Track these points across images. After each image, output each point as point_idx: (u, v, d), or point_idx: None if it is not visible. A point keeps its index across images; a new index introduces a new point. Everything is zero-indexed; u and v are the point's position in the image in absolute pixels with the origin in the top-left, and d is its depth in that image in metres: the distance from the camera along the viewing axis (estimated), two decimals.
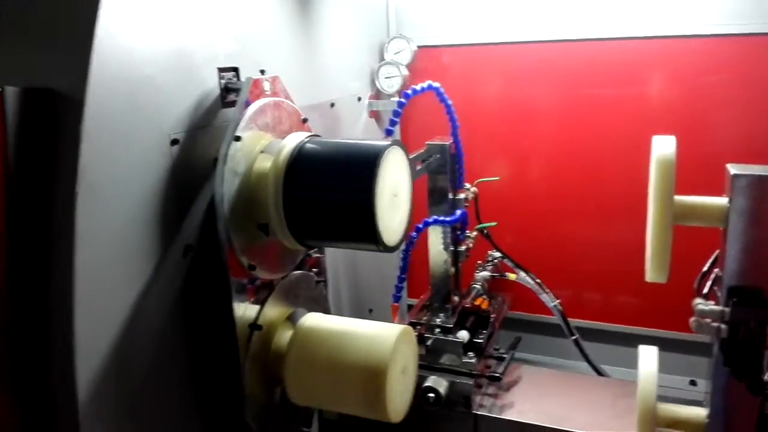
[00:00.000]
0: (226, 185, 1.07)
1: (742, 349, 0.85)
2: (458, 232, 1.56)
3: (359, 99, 1.70)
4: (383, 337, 1.18)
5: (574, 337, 1.70)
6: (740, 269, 0.87)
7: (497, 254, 1.77)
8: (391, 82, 1.70)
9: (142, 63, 0.99)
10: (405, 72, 1.70)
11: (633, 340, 1.81)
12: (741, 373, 0.85)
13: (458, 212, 1.47)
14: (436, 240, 1.51)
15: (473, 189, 1.61)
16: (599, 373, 1.71)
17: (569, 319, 1.72)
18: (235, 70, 1.20)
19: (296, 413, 1.34)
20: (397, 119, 1.35)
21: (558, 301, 1.71)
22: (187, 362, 1.13)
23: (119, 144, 0.95)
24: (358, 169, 1.06)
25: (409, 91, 1.35)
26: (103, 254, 0.93)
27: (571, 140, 1.78)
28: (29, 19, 0.94)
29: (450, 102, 1.42)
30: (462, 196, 1.52)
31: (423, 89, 1.36)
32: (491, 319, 1.57)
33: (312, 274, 1.38)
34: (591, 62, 1.71)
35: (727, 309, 0.86)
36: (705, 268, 0.96)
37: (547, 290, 1.72)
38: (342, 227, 1.10)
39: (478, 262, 1.77)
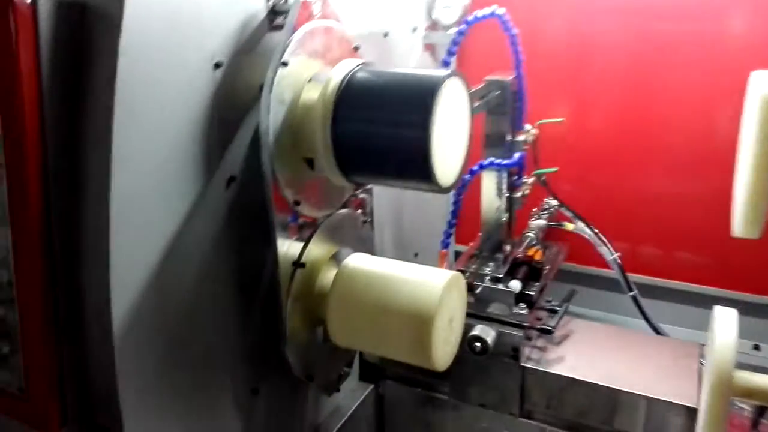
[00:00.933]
0: (272, 115, 1.01)
1: None
2: (514, 177, 1.47)
3: (414, 29, 1.58)
4: (432, 282, 1.12)
5: (632, 293, 1.60)
6: None
7: (554, 202, 1.67)
8: (450, 11, 1.57)
9: None
10: (465, 1, 1.57)
11: (694, 299, 1.72)
12: None
13: (516, 155, 1.37)
14: (490, 184, 1.42)
15: (533, 131, 1.49)
16: (657, 331, 1.62)
17: (627, 274, 1.62)
18: None
19: (338, 354, 1.31)
20: (455, 49, 1.24)
21: (617, 254, 1.61)
22: (228, 297, 1.09)
23: (158, 64, 0.89)
24: (414, 101, 0.97)
25: (471, 18, 1.24)
26: (140, 180, 0.88)
27: (643, 82, 1.63)
28: None
29: (515, 32, 1.30)
30: (521, 138, 1.41)
31: (485, 16, 1.24)
32: (545, 271, 1.48)
33: (358, 213, 1.31)
34: None
35: None
36: None
37: (607, 242, 1.62)
38: (394, 164, 1.03)
39: (534, 209, 1.67)
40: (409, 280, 1.14)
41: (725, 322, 0.93)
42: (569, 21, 1.69)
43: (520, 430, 1.44)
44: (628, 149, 1.70)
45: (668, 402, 1.26)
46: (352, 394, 1.53)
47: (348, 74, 1.04)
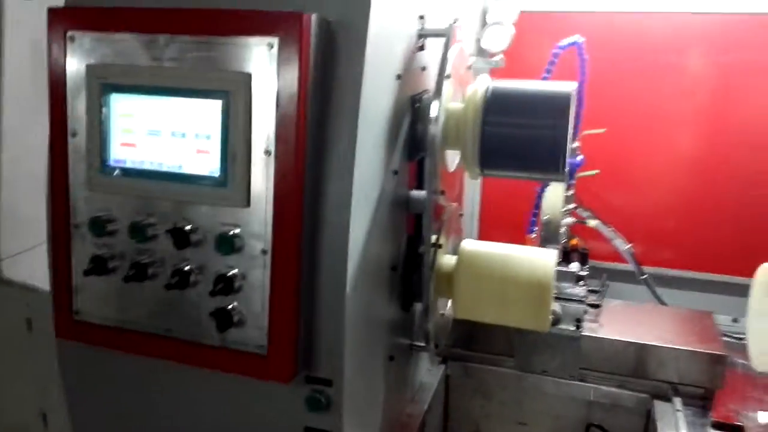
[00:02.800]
0: (442, 117, 1.23)
1: None
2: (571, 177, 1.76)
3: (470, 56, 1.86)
4: (543, 258, 1.38)
5: (644, 276, 1.96)
6: None
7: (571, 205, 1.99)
8: (500, 42, 1.86)
9: (392, 8, 1.12)
10: (512, 31, 1.87)
11: (694, 285, 2.07)
12: None
13: (579, 158, 1.68)
14: (556, 185, 1.71)
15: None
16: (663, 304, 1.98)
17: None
18: (422, 17, 1.34)
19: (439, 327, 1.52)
20: (551, 69, 1.55)
21: (630, 245, 1.96)
22: (385, 273, 1.28)
23: (378, 71, 1.09)
24: (554, 107, 1.25)
25: (562, 44, 1.55)
26: (365, 160, 1.07)
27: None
28: None
29: (586, 57, 1.62)
30: (576, 144, 1.72)
31: (570, 44, 1.56)
32: (588, 255, 1.79)
33: (458, 206, 1.55)
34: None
35: None
36: None
37: (620, 235, 1.96)
38: (532, 158, 1.29)
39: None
40: (524, 257, 1.39)
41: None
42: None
43: (569, 390, 1.73)
44: (646, 163, 2.06)
45: (703, 352, 1.60)
46: (428, 372, 1.74)
47: (490, 87, 1.29)
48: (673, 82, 1.98)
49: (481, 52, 1.92)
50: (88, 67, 1.08)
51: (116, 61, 1.08)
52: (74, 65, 1.10)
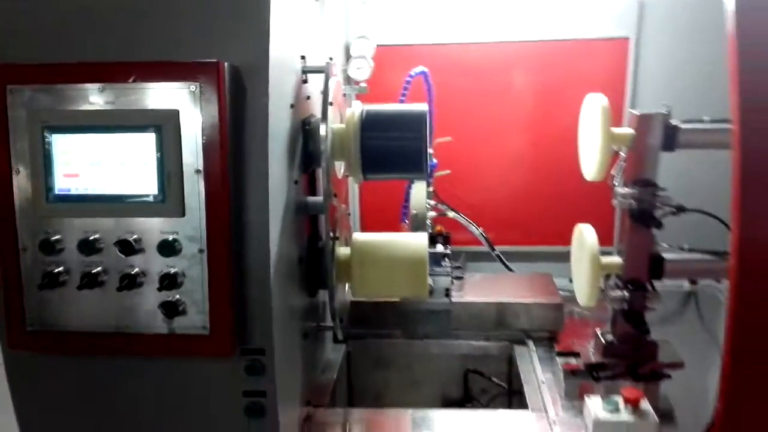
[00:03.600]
0: (329, 135, 1.55)
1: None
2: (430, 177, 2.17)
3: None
4: (416, 239, 1.75)
5: (495, 252, 2.41)
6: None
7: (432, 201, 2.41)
8: (362, 71, 2.23)
9: (284, 53, 1.43)
10: (372, 63, 2.25)
11: (535, 257, 2.56)
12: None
13: (434, 162, 2.08)
14: (420, 184, 2.10)
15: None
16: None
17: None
18: (304, 57, 1.66)
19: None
20: (406, 92, 1.93)
21: (482, 229, 2.41)
22: (294, 266, 1.57)
23: (278, 102, 1.39)
24: (414, 123, 1.62)
25: (412, 73, 1.95)
26: (275, 169, 1.35)
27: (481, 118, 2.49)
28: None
29: (431, 83, 2.02)
30: (431, 151, 2.12)
31: (417, 74, 1.95)
32: (450, 237, 2.21)
33: (346, 207, 1.88)
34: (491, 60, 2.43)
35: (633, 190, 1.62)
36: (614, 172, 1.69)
37: (471, 222, 2.40)
38: (400, 163, 1.65)
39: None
40: (402, 241, 1.75)
41: (588, 229, 1.73)
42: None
43: (449, 348, 2.12)
44: (482, 160, 2.52)
45: (546, 303, 2.06)
46: (334, 351, 2.05)
47: (363, 110, 1.64)
48: (503, 98, 2.47)
49: (348, 81, 2.29)
50: (29, 112, 1.28)
51: (55, 107, 1.28)
52: (14, 112, 1.29)
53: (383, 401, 2.21)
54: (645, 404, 1.55)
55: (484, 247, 2.44)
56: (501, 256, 2.42)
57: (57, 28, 1.33)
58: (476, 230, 2.42)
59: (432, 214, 2.35)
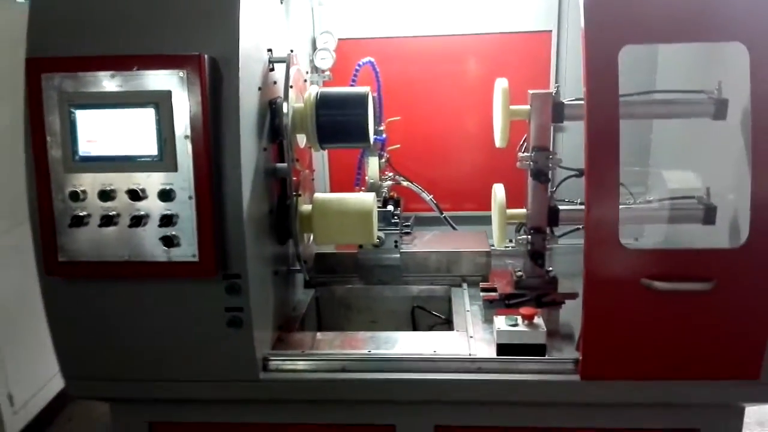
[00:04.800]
0: (290, 113, 1.98)
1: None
2: (380, 151, 2.59)
3: (306, 72, 2.63)
4: (365, 196, 2.18)
5: (443, 215, 2.84)
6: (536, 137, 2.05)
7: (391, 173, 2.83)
8: (326, 61, 2.65)
9: (252, 47, 1.85)
10: (333, 55, 2.67)
11: (476, 220, 2.99)
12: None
13: (383, 137, 2.51)
14: (374, 156, 2.53)
15: (383, 126, 2.64)
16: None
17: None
18: (271, 50, 2.07)
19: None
20: (355, 78, 2.35)
21: (431, 196, 2.83)
22: (265, 216, 2.00)
23: (246, 85, 1.81)
24: (358, 101, 2.05)
25: (361, 62, 2.37)
26: (246, 141, 1.79)
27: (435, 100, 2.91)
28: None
29: (378, 70, 2.45)
30: (381, 128, 2.55)
31: (365, 63, 2.38)
32: (402, 201, 2.64)
33: (310, 172, 2.31)
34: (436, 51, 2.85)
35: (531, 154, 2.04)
36: (521, 143, 2.12)
37: (423, 190, 2.83)
38: (349, 135, 2.08)
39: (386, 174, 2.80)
40: (353, 198, 2.18)
41: (499, 187, 2.17)
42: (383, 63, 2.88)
43: (401, 292, 2.55)
44: (428, 136, 2.94)
45: (478, 251, 2.50)
46: (304, 294, 2.48)
47: (318, 92, 2.07)
48: (448, 84, 2.88)
49: (315, 69, 2.71)
50: (59, 94, 1.70)
51: (78, 89, 1.70)
52: (47, 93, 1.71)
53: None
54: (538, 320, 1.98)
55: (436, 213, 2.87)
56: (448, 218, 2.85)
57: (79, 30, 1.75)
58: (427, 197, 2.85)
59: (389, 183, 2.78)
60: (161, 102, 1.69)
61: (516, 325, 1.98)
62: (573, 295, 2.13)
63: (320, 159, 2.88)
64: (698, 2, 1.72)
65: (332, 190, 2.94)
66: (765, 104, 1.69)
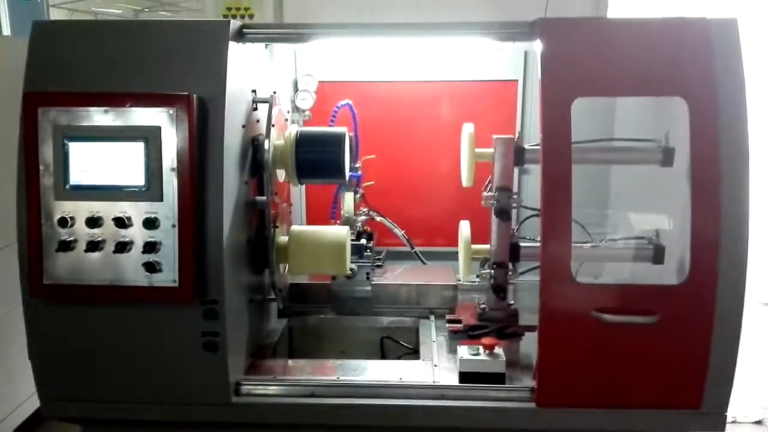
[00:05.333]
0: (271, 149, 2.11)
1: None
2: (355, 187, 2.73)
3: (288, 111, 2.78)
4: (338, 229, 2.31)
5: (414, 250, 2.97)
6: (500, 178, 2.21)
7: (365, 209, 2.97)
8: (306, 101, 2.81)
9: (238, 88, 1.99)
10: (314, 96, 2.83)
11: (444, 256, 3.12)
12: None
13: (359, 174, 2.66)
14: (349, 192, 2.67)
15: (359, 163, 2.79)
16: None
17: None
18: (255, 91, 2.22)
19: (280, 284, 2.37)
20: (334, 119, 2.50)
21: (403, 231, 2.97)
22: (243, 246, 2.11)
23: (232, 123, 1.94)
24: (335, 141, 2.20)
25: (339, 104, 2.52)
26: (228, 175, 1.91)
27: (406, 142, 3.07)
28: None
29: (356, 111, 2.61)
30: (357, 165, 2.69)
31: (343, 105, 2.54)
32: (375, 235, 2.77)
33: (288, 205, 2.44)
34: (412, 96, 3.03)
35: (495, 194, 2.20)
36: (486, 184, 2.28)
37: (395, 225, 2.96)
38: (326, 171, 2.22)
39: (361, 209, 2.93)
40: (327, 230, 2.31)
41: (465, 224, 2.31)
42: (363, 106, 3.05)
43: (371, 323, 2.66)
44: (401, 175, 3.09)
45: (445, 284, 2.63)
46: (277, 323, 2.57)
47: (298, 131, 2.21)
48: (421, 126, 3.05)
49: (297, 109, 2.87)
50: (54, 126, 1.81)
51: (72, 123, 1.82)
52: (43, 126, 1.82)
53: None
54: (498, 350, 2.11)
55: (407, 248, 3.00)
56: (418, 252, 2.99)
57: (75, 68, 1.88)
58: (399, 232, 2.98)
59: (363, 217, 2.92)
60: (151, 137, 1.81)
61: (478, 354, 2.09)
62: (533, 328, 2.26)
63: (297, 193, 3.02)
64: (642, 59, 1.91)
65: (308, 223, 3.07)
66: (701, 153, 1.88)
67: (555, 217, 1.87)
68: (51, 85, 1.86)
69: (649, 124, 2.52)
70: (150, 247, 1.83)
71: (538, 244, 2.27)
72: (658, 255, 2.14)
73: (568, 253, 1.88)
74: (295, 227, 2.32)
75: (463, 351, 2.11)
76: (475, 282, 2.64)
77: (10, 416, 3.45)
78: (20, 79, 1.89)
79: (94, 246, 1.83)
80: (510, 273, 2.28)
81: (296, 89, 2.88)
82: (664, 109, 2.35)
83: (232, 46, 1.92)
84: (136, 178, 1.83)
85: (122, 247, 1.83)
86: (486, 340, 2.11)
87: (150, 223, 1.83)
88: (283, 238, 2.29)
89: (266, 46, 2.38)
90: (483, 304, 2.36)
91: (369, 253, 2.60)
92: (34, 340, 1.96)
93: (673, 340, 1.91)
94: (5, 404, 3.41)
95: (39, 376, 1.99)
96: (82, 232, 1.85)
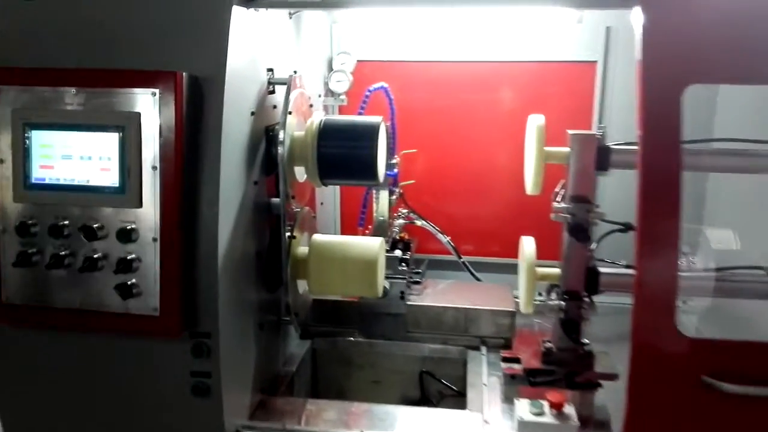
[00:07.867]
0: (287, 142, 1.70)
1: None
2: (391, 186, 2.29)
3: (319, 96, 2.36)
4: (370, 242, 1.87)
5: (461, 259, 2.51)
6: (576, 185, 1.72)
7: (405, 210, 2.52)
8: (342, 84, 2.38)
9: (245, 66, 1.58)
10: (351, 78, 2.39)
11: (500, 268, 2.66)
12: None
13: (395, 170, 2.22)
14: (383, 191, 2.23)
15: (397, 158, 2.34)
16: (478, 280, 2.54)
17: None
18: (271, 70, 1.81)
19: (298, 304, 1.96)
20: (365, 106, 2.06)
21: (449, 237, 2.51)
22: (251, 260, 1.71)
23: (234, 110, 1.54)
24: (367, 133, 1.76)
25: (372, 88, 2.08)
26: (228, 172, 1.51)
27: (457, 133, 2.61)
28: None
29: (392, 97, 2.16)
30: (394, 161, 2.25)
31: (377, 88, 2.09)
32: (412, 245, 2.33)
33: (310, 210, 2.02)
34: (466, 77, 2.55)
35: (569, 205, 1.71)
36: (558, 189, 1.79)
37: (440, 230, 2.51)
38: (354, 170, 1.79)
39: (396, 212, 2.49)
40: (356, 243, 1.88)
41: (528, 241, 1.84)
42: (404, 91, 2.59)
43: (410, 350, 2.23)
44: (447, 173, 2.63)
45: (500, 310, 2.17)
46: (298, 347, 2.17)
47: (322, 120, 1.78)
48: (478, 115, 2.58)
49: (331, 93, 2.44)
50: (13, 111, 1.45)
51: (36, 106, 1.45)
52: (0, 110, 1.46)
53: (346, 396, 2.32)
54: (569, 408, 1.64)
55: (453, 257, 2.55)
56: (467, 264, 2.53)
57: (42, 38, 1.51)
58: (444, 238, 2.53)
59: (401, 221, 2.48)
60: (128, 125, 1.42)
61: (542, 414, 1.64)
62: (612, 376, 1.78)
63: (331, 194, 2.60)
64: None
65: (343, 233, 2.65)
66: None
67: (656, 239, 1.38)
68: (11, 59, 1.50)
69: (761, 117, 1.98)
70: (125, 265, 1.44)
71: (625, 271, 1.80)
72: None
73: (673, 286, 1.39)
74: (317, 237, 1.90)
75: (523, 408, 1.65)
76: (537, 301, 2.16)
77: None
78: None
79: (58, 261, 1.46)
80: (584, 306, 1.80)
81: (331, 69, 2.45)
82: None
83: (237, 11, 1.50)
84: (110, 177, 1.44)
85: (91, 263, 1.45)
86: (553, 396, 1.65)
87: (125, 235, 1.44)
88: (302, 250, 1.88)
89: (290, 15, 1.96)
90: (548, 341, 1.89)
91: (404, 267, 2.16)
92: None
93: None
94: None
95: (2, 411, 1.66)
96: (45, 242, 1.48)
